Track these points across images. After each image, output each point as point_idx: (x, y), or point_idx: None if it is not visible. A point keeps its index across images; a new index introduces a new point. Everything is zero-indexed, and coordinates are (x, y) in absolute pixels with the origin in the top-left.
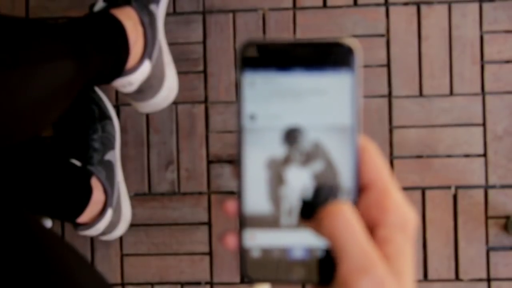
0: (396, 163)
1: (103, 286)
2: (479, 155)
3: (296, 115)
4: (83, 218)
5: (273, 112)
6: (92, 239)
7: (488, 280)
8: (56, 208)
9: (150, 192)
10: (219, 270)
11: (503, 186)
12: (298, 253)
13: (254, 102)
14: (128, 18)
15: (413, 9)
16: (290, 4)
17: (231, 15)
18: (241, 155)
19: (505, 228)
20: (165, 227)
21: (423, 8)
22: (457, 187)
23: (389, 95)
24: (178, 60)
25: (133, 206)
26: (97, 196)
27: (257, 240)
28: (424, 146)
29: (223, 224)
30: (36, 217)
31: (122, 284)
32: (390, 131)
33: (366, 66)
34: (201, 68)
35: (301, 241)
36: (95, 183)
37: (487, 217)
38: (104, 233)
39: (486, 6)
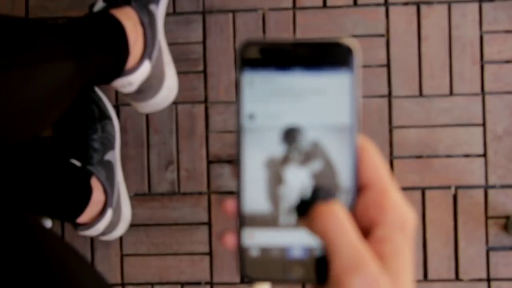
0: (396, 163)
1: (103, 286)
2: (479, 155)
3: (295, 115)
4: (83, 218)
5: (272, 112)
6: (92, 239)
7: (488, 280)
8: (56, 208)
9: (150, 192)
10: (219, 270)
11: (503, 186)
12: (296, 253)
13: (253, 102)
14: (128, 18)
15: (413, 9)
16: (290, 4)
17: (231, 15)
18: (240, 155)
19: (505, 228)
20: (165, 227)
21: (423, 8)
22: (457, 187)
23: (389, 95)
24: (178, 60)
25: (133, 206)
26: (97, 196)
27: (256, 239)
28: (424, 146)
29: (223, 224)
30: (36, 217)
31: (122, 284)
32: (390, 131)
33: (366, 66)
34: (201, 68)
35: (300, 240)
36: (95, 183)
37: (487, 217)
38: (104, 233)
39: (486, 6)
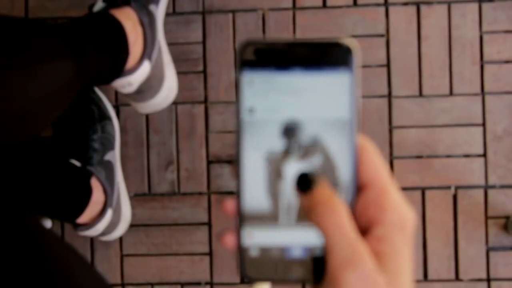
0: (396, 163)
1: (103, 287)
2: (479, 155)
3: (295, 109)
4: (83, 218)
5: (272, 106)
6: (92, 240)
7: (488, 280)
8: (56, 209)
9: (150, 192)
10: (219, 270)
11: (503, 186)
12: (296, 252)
13: (253, 98)
14: (128, 18)
15: (413, 9)
16: (290, 4)
17: (230, 15)
18: (240, 150)
19: (505, 228)
20: (165, 227)
21: (423, 8)
22: (457, 187)
23: (389, 95)
24: (177, 60)
25: (133, 207)
26: (97, 196)
27: (255, 236)
28: (424, 146)
29: (223, 224)
30: (35, 217)
31: (122, 285)
32: (390, 131)
33: (365, 66)
34: (200, 68)
35: (299, 240)
36: (94, 184)
37: (487, 217)
38: (104, 233)
39: (485, 6)
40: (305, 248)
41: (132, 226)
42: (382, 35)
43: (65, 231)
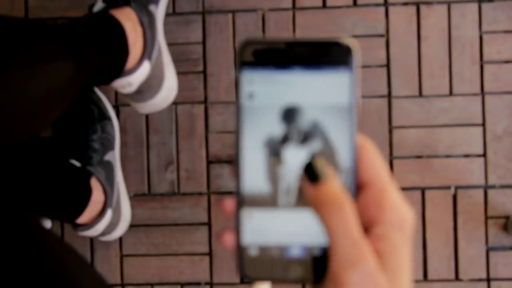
0: (396, 163)
1: (102, 287)
2: (478, 155)
3: (295, 96)
4: (83, 218)
5: (272, 92)
6: (92, 240)
7: (488, 280)
8: (56, 209)
9: (150, 192)
10: (219, 271)
11: (503, 186)
12: (295, 252)
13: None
14: (128, 18)
15: (413, 9)
16: (290, 5)
17: (230, 15)
18: (240, 135)
19: (505, 228)
20: (164, 227)
21: (423, 8)
22: (456, 187)
23: (389, 95)
24: (177, 60)
25: (132, 207)
26: (97, 196)
27: (255, 218)
28: (423, 146)
29: (222, 225)
30: (35, 217)
31: (122, 285)
32: (390, 131)
33: (365, 66)
34: (200, 68)
35: (299, 239)
36: (94, 184)
37: (486, 217)
38: (103, 233)
39: (485, 6)
40: (304, 247)
41: (132, 226)
42: (382, 35)
43: (65, 231)
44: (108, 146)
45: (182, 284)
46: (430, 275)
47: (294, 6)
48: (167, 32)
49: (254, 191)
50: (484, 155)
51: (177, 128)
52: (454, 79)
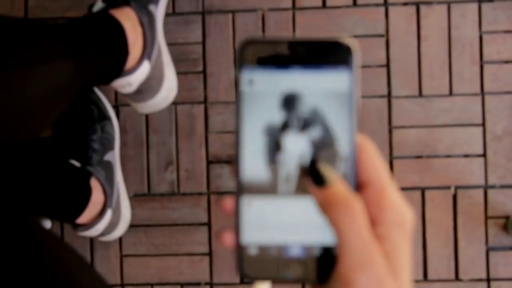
0: (396, 163)
1: (102, 287)
2: (478, 155)
3: (295, 83)
4: (83, 218)
5: (272, 78)
6: (92, 240)
7: (488, 280)
8: (56, 209)
9: (150, 192)
10: (219, 271)
11: (503, 186)
12: (295, 251)
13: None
14: (127, 18)
15: (413, 9)
16: (290, 5)
17: (230, 15)
18: (239, 122)
19: (505, 228)
20: (164, 227)
21: (423, 8)
22: (456, 187)
23: (389, 95)
24: (177, 60)
25: (132, 207)
26: (97, 196)
27: (254, 205)
28: (423, 146)
29: (222, 225)
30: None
31: (122, 285)
32: (390, 131)
33: (365, 66)
34: (200, 68)
35: (299, 239)
36: (94, 184)
37: (486, 217)
38: (103, 233)
39: (485, 6)
40: (303, 247)
41: (132, 226)
42: (381, 35)
43: (65, 231)
44: (108, 146)
45: (182, 284)
46: (430, 275)
47: (294, 6)
48: (167, 32)
49: (254, 179)
50: (484, 155)
51: (177, 128)
52: (454, 79)
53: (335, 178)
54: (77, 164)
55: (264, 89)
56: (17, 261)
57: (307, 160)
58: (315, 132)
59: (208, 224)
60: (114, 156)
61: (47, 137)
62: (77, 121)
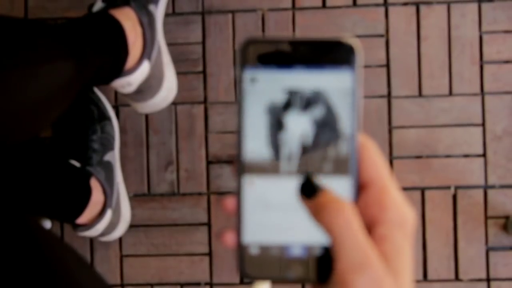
0: (396, 163)
1: (102, 287)
2: (478, 155)
3: (297, 83)
4: (83, 219)
5: (274, 78)
6: (92, 240)
7: (488, 280)
8: (55, 209)
9: (150, 192)
10: (219, 271)
11: (503, 186)
12: (296, 251)
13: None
14: (127, 18)
15: (412, 9)
16: (289, 5)
17: (230, 15)
18: (242, 101)
19: (505, 228)
20: (164, 227)
21: (422, 8)
22: (456, 187)
23: (389, 95)
24: (177, 60)
25: (132, 207)
26: (97, 197)
27: (256, 185)
28: (423, 146)
29: (222, 225)
30: (35, 218)
31: (122, 285)
32: (390, 132)
33: (365, 66)
34: (200, 68)
35: (300, 239)
36: (94, 184)
37: (486, 217)
38: (103, 234)
39: (485, 6)
40: (304, 247)
41: (132, 226)
42: (381, 35)
43: (65, 231)
44: (107, 146)
45: (182, 284)
46: (430, 275)
47: (293, 6)
48: (166, 32)
49: (256, 158)
50: (484, 155)
51: (177, 128)
52: (454, 79)
53: (325, 186)
54: (77, 164)
55: (267, 87)
56: (17, 261)
57: (309, 139)
58: (318, 111)
59: (208, 224)
60: (114, 156)
61: (47, 137)
62: (77, 121)
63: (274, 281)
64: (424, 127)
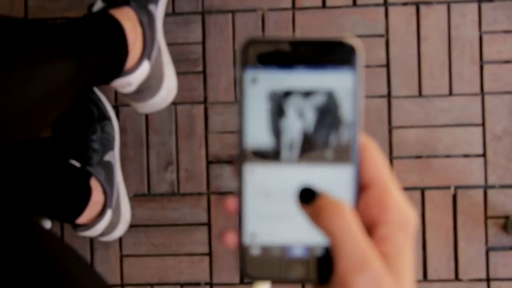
0: (396, 163)
1: (102, 287)
2: (478, 155)
3: (298, 83)
4: (83, 219)
5: (275, 78)
6: (92, 240)
7: (488, 280)
8: (55, 209)
9: (150, 192)
10: (219, 271)
11: (503, 186)
12: (297, 252)
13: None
14: (127, 18)
15: (412, 9)
16: (289, 4)
17: (230, 15)
18: (243, 87)
19: (505, 228)
20: (164, 227)
21: (422, 8)
22: (456, 187)
23: (389, 95)
24: (177, 60)
25: (132, 207)
26: (97, 197)
27: (257, 174)
28: (423, 146)
29: (222, 225)
30: (35, 218)
31: (122, 285)
32: (390, 132)
33: (365, 66)
34: (200, 68)
35: (301, 239)
36: (94, 184)
37: (486, 217)
38: (103, 234)
39: (485, 6)
40: (306, 247)
41: (132, 226)
42: (381, 35)
43: (65, 231)
44: (107, 146)
45: (182, 284)
46: (430, 275)
47: (293, 6)
48: (166, 32)
49: (257, 145)
50: (484, 155)
51: (177, 128)
52: (454, 79)
53: (323, 191)
54: (77, 164)
55: (267, 87)
56: (17, 261)
57: (311, 127)
58: (319, 98)
59: (208, 224)
60: (114, 156)
61: (47, 137)
62: (77, 121)
63: (275, 281)
64: (424, 127)
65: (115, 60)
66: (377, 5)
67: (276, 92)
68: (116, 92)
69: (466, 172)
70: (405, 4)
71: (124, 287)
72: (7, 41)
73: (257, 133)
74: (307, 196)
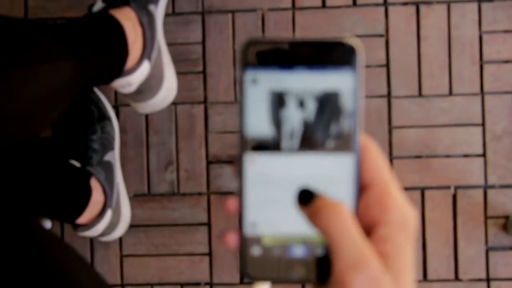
0: (396, 163)
1: (102, 287)
2: (478, 155)
3: (299, 83)
4: (83, 219)
5: (275, 78)
6: (92, 240)
7: (488, 280)
8: (56, 209)
9: (150, 192)
10: (219, 271)
11: (503, 186)
12: (298, 252)
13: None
14: (127, 18)
15: (412, 9)
16: (289, 4)
17: (230, 15)
18: (244, 78)
19: (504, 228)
20: (164, 227)
21: (422, 8)
22: (456, 187)
23: (388, 95)
24: (177, 60)
25: (132, 207)
26: (97, 197)
27: (258, 163)
28: (423, 146)
29: (222, 225)
30: (35, 218)
31: (122, 285)
32: (389, 131)
33: (365, 66)
34: (200, 68)
35: (301, 228)
36: (94, 184)
37: (486, 217)
38: (103, 234)
39: (485, 6)
40: (306, 247)
41: (132, 226)
42: (381, 35)
43: (65, 231)
44: (107, 146)
45: (182, 284)
46: (430, 275)
47: (293, 6)
48: (166, 32)
49: (257, 135)
50: (484, 155)
51: (177, 128)
52: (454, 79)
53: (321, 192)
54: (77, 164)
55: (268, 88)
56: (17, 262)
57: (311, 117)
58: (319, 92)
59: (208, 224)
60: (114, 156)
61: (47, 137)
62: (77, 121)
63: (275, 281)
64: (424, 127)
65: (115, 60)
66: (377, 5)
67: (276, 92)
68: (116, 92)
69: (466, 172)
70: (405, 4)
71: (124, 287)
72: (7, 41)
73: (258, 123)
74: (305, 197)
